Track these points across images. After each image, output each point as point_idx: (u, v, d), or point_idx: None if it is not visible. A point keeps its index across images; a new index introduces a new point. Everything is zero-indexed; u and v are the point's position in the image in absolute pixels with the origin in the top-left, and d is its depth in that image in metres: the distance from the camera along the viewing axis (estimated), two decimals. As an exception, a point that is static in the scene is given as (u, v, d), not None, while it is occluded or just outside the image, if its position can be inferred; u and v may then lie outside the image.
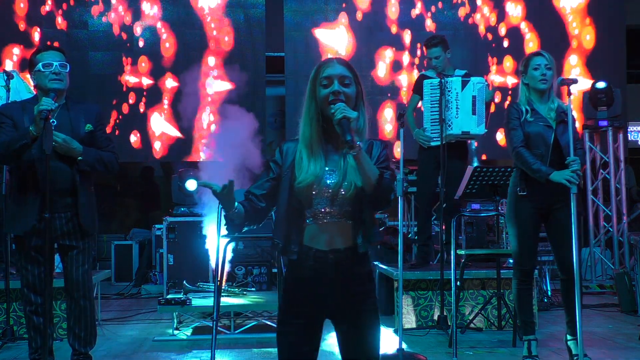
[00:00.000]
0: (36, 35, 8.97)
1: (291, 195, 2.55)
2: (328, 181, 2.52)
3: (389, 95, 9.28)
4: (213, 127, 8.84)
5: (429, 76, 6.35)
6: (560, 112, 4.60)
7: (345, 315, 2.55)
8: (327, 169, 2.54)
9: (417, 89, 6.46)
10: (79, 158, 4.18)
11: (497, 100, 7.69)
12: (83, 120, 4.28)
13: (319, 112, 2.55)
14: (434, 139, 6.16)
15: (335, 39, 9.26)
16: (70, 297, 4.32)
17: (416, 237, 6.47)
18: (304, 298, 2.54)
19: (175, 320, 5.86)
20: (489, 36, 9.40)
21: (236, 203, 2.54)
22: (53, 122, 4.14)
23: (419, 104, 6.49)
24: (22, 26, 8.95)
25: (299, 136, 2.60)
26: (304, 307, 2.54)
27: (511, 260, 6.09)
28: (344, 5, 9.29)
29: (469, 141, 6.61)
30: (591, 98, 8.34)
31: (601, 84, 8.31)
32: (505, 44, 9.39)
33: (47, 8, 9.01)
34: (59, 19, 9.02)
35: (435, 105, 6.14)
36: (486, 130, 6.28)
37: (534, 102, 4.67)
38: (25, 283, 4.24)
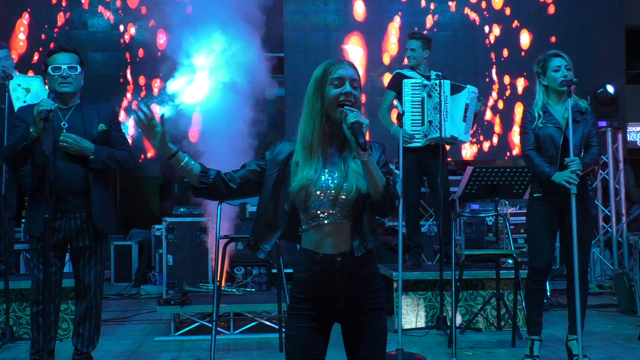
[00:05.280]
0: (37, 36, 8.97)
1: (274, 195, 2.53)
2: (329, 183, 2.48)
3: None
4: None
5: (407, 75, 6.30)
6: (576, 111, 4.54)
7: (353, 316, 2.52)
8: (326, 170, 2.49)
9: (394, 85, 6.37)
10: (91, 157, 4.18)
11: (483, 108, 7.74)
12: (96, 120, 4.29)
13: (324, 111, 2.49)
14: (416, 139, 6.15)
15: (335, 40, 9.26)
16: (79, 297, 4.33)
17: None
18: (314, 303, 2.51)
19: (174, 321, 5.86)
20: (488, 36, 9.40)
21: (194, 162, 2.56)
22: (64, 124, 4.17)
23: (395, 101, 6.43)
24: (22, 26, 8.95)
25: (298, 136, 2.54)
26: (313, 312, 2.51)
27: (510, 261, 6.12)
28: (344, 5, 9.28)
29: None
30: (598, 100, 8.21)
31: (611, 88, 8.07)
32: (504, 44, 9.39)
33: (48, 8, 9.01)
34: (59, 19, 9.02)
35: (417, 105, 6.13)
36: (470, 140, 6.45)
37: (550, 104, 4.64)
38: (36, 282, 4.24)
